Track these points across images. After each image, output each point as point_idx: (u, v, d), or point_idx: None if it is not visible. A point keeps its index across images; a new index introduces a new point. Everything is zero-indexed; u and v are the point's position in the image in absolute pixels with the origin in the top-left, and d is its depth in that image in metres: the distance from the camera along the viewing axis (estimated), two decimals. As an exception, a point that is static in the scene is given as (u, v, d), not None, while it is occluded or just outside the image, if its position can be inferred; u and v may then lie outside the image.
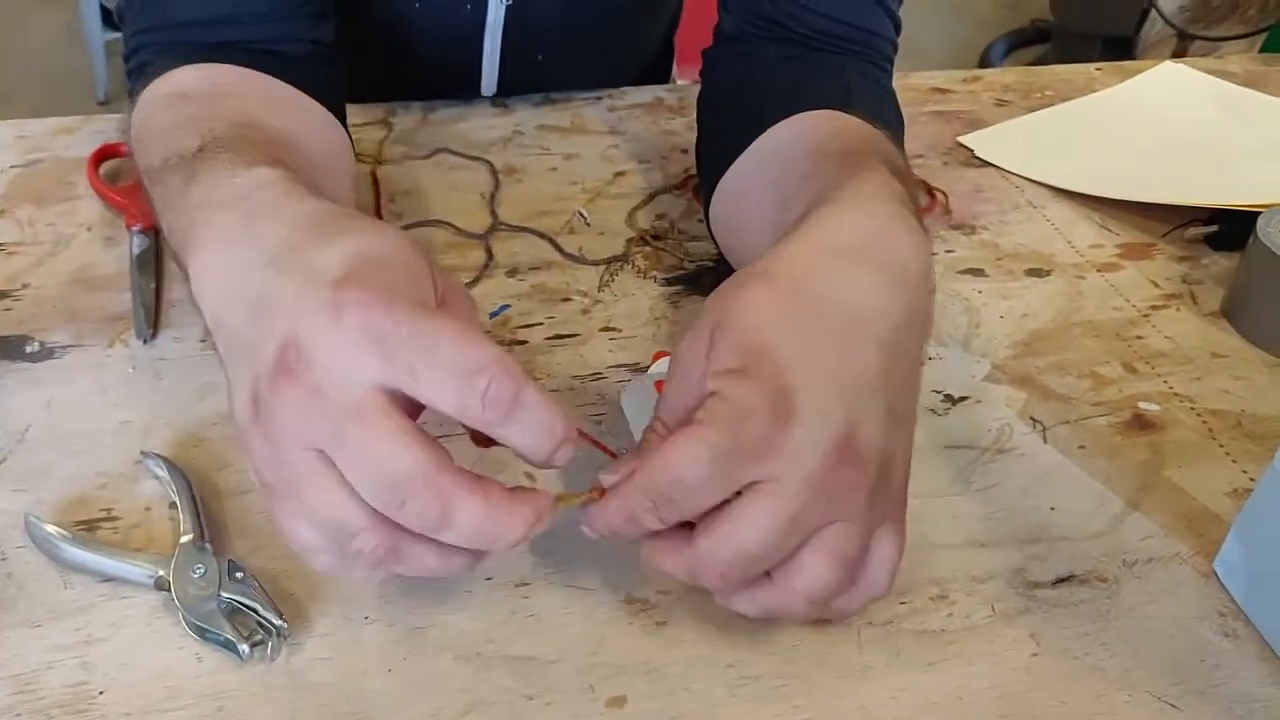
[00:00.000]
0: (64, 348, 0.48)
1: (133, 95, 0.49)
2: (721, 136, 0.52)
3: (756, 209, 0.47)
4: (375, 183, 0.58)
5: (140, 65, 0.49)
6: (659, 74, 0.84)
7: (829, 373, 0.32)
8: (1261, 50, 0.98)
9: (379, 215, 0.56)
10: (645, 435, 0.35)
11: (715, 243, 0.54)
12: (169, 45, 0.49)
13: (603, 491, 0.33)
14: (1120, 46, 2.02)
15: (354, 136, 0.53)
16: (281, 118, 0.44)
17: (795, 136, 0.47)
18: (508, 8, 0.64)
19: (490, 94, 0.69)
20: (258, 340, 0.30)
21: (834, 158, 0.42)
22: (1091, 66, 0.81)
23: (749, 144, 0.48)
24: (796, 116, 0.47)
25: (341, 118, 0.51)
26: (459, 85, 0.68)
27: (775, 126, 0.48)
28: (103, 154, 0.60)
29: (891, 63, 0.55)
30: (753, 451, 0.31)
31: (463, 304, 0.34)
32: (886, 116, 0.49)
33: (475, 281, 0.54)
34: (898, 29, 0.54)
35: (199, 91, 0.45)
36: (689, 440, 0.31)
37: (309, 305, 0.29)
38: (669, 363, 0.35)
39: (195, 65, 0.47)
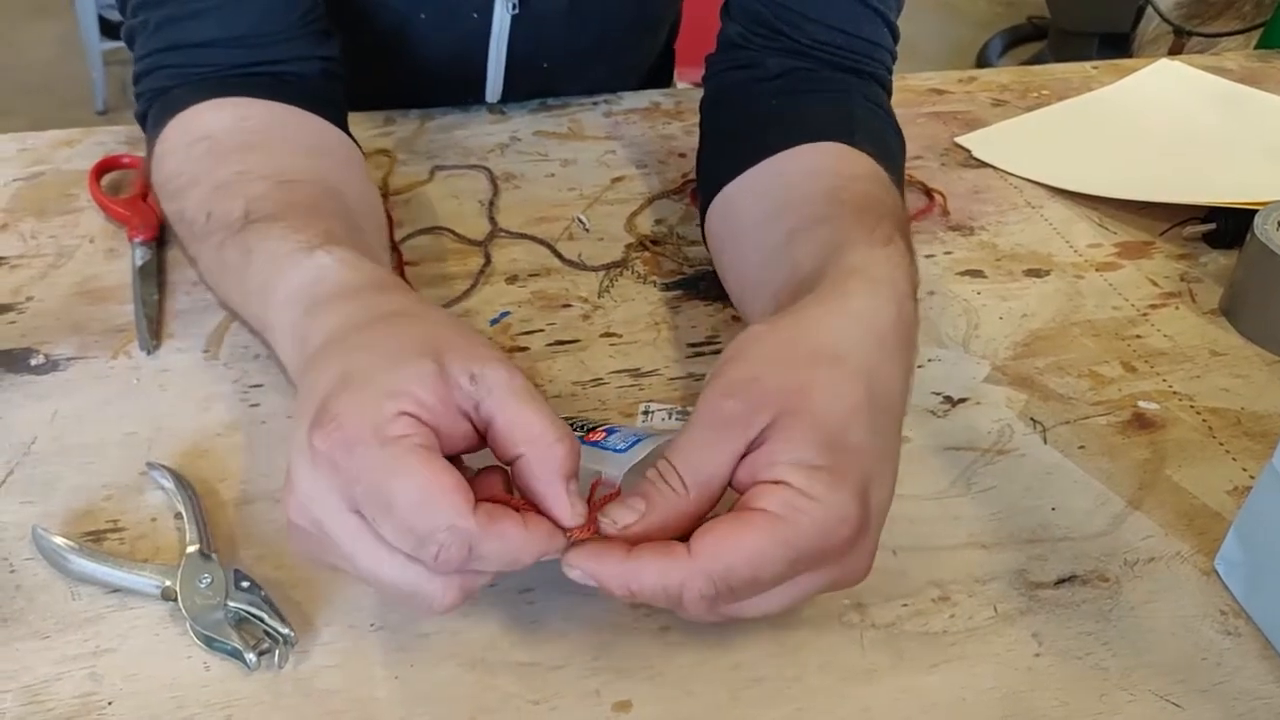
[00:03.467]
0: (68, 360, 0.48)
1: (149, 123, 0.50)
2: (722, 151, 0.53)
3: (757, 235, 0.47)
4: (389, 216, 0.58)
5: (155, 90, 0.50)
6: (660, 78, 0.84)
7: (891, 470, 0.34)
8: (1257, 46, 0.97)
9: (393, 245, 0.56)
10: (650, 483, 0.33)
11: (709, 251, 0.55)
12: (186, 69, 0.49)
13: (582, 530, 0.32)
14: (1117, 43, 2.02)
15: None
16: (312, 166, 0.45)
17: (804, 172, 0.47)
18: (514, 16, 0.64)
19: (494, 101, 0.70)
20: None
21: (849, 210, 0.43)
22: (1088, 65, 0.81)
23: (750, 164, 0.49)
24: (803, 148, 0.48)
25: (346, 131, 0.52)
26: (463, 93, 0.69)
27: (779, 155, 0.48)
28: (104, 166, 0.60)
29: (890, 72, 0.55)
30: (827, 557, 0.32)
31: (499, 375, 0.32)
32: (889, 147, 0.50)
33: (474, 288, 0.54)
34: (896, 39, 0.55)
35: (229, 141, 0.46)
36: (771, 539, 0.30)
37: (297, 443, 0.31)
38: (702, 408, 0.33)
39: (217, 101, 0.47)
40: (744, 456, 0.33)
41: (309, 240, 0.38)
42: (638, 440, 0.36)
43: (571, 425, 0.38)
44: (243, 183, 0.42)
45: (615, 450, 0.35)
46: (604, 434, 0.37)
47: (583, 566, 0.32)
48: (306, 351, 0.35)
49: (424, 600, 0.31)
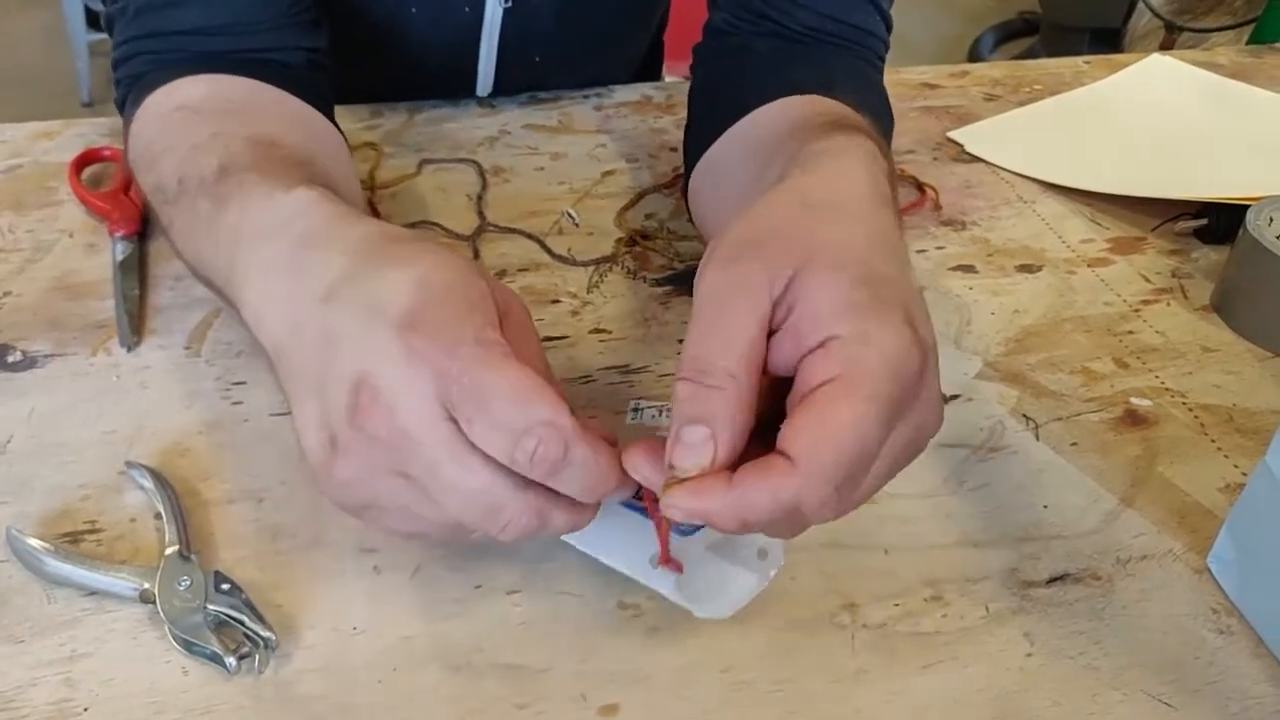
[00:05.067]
0: (46, 357, 0.47)
1: (127, 106, 0.49)
2: (706, 122, 0.52)
3: (733, 177, 0.46)
4: (375, 210, 0.57)
5: (133, 75, 0.49)
6: (650, 72, 0.84)
7: (924, 308, 0.31)
8: (1248, 42, 0.98)
9: None
10: (684, 389, 0.29)
11: (694, 223, 0.54)
12: (164, 54, 0.48)
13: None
14: (1108, 38, 2.02)
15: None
16: (294, 133, 0.44)
17: (777, 115, 0.47)
18: (505, 9, 0.63)
19: (485, 95, 0.69)
20: (325, 379, 0.31)
21: (817, 129, 0.42)
22: (1080, 60, 0.81)
23: (730, 125, 0.48)
24: (780, 100, 0.47)
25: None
26: (454, 87, 0.68)
27: (757, 110, 0.47)
28: (85, 159, 0.59)
29: (883, 60, 0.55)
30: (909, 399, 0.29)
31: (520, 316, 0.33)
32: (871, 106, 0.49)
33: (463, 284, 0.53)
34: (889, 27, 0.54)
35: (207, 107, 0.44)
36: (856, 403, 0.28)
37: (377, 348, 0.30)
38: (707, 294, 0.31)
39: (197, 76, 0.46)
40: (773, 333, 0.30)
41: (288, 182, 0.37)
42: None
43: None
44: (219, 141, 0.41)
45: (683, 533, 0.33)
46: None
47: (685, 505, 0.29)
48: (330, 272, 0.32)
49: (497, 520, 0.29)
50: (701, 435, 0.29)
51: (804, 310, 0.30)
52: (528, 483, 0.30)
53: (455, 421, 0.29)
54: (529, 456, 0.28)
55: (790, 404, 0.29)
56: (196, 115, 0.44)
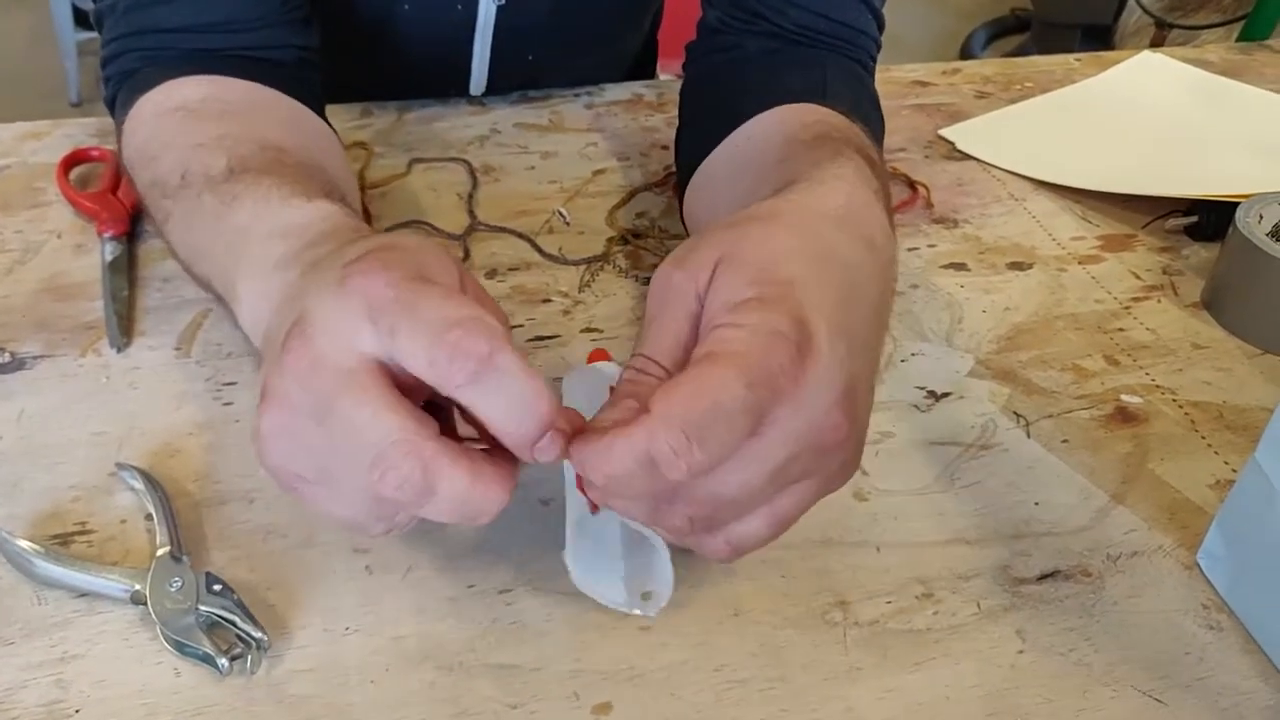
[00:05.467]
0: (35, 358, 0.47)
1: (118, 103, 0.49)
2: (699, 128, 0.52)
3: (726, 192, 0.47)
4: (366, 210, 0.57)
5: (123, 73, 0.49)
6: (643, 70, 0.84)
7: (840, 320, 0.32)
8: (1238, 39, 0.98)
9: None
10: (627, 375, 0.32)
11: (687, 232, 0.54)
12: (154, 52, 0.48)
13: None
14: (1099, 35, 2.03)
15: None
16: (296, 138, 0.44)
17: (769, 128, 0.47)
18: (499, 7, 0.63)
19: (479, 94, 0.69)
20: (281, 333, 0.30)
21: (807, 144, 0.43)
22: (1071, 57, 0.81)
23: (725, 135, 0.48)
24: (773, 110, 0.47)
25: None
26: (447, 86, 0.68)
27: (752, 119, 0.48)
28: (73, 159, 0.59)
29: (874, 59, 0.55)
30: (778, 385, 0.29)
31: (496, 313, 0.33)
32: (864, 110, 0.49)
33: (455, 283, 0.53)
34: (881, 26, 0.54)
35: (206, 109, 0.44)
36: (715, 369, 0.29)
37: (321, 288, 0.30)
38: (650, 297, 0.33)
39: (192, 78, 0.46)
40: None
41: (308, 191, 0.37)
42: None
43: None
44: (225, 143, 0.41)
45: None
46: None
47: (575, 450, 0.29)
48: (316, 257, 0.33)
49: (379, 462, 0.27)
50: (632, 406, 0.30)
51: (706, 308, 0.32)
52: (420, 430, 0.28)
53: (369, 358, 0.28)
54: (451, 349, 0.27)
55: None
56: (195, 116, 0.44)
